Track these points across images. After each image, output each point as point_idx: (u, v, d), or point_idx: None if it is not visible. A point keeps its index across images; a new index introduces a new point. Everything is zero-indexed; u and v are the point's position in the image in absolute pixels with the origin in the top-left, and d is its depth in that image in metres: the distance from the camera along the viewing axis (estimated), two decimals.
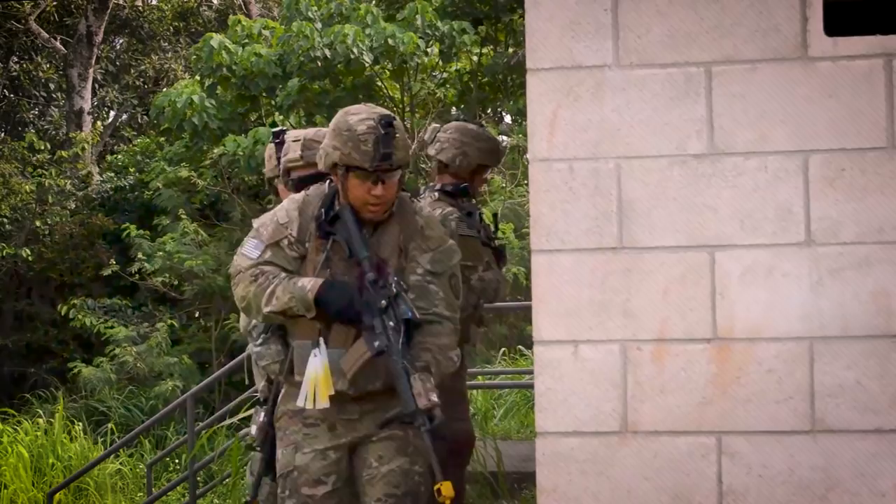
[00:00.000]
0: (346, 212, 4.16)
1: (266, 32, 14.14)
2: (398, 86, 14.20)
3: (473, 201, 5.73)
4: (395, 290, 4.06)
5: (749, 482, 3.96)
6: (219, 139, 13.82)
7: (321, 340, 4.13)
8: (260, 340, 4.37)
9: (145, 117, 21.86)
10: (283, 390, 4.37)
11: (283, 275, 4.16)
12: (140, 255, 14.43)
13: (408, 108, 14.39)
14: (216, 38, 13.57)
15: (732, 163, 3.97)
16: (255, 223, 4.35)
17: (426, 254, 4.25)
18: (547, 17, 4.10)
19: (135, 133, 22.01)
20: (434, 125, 5.88)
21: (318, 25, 13.28)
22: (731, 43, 3.98)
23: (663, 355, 4.01)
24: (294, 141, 4.99)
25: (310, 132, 5.01)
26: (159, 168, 15.24)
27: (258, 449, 4.63)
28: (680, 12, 4.02)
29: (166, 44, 23.65)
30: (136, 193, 17.09)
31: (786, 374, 3.93)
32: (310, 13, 13.55)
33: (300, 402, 4.15)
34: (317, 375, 4.11)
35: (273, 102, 13.85)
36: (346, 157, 4.08)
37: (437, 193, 5.58)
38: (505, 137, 15.09)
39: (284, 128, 5.49)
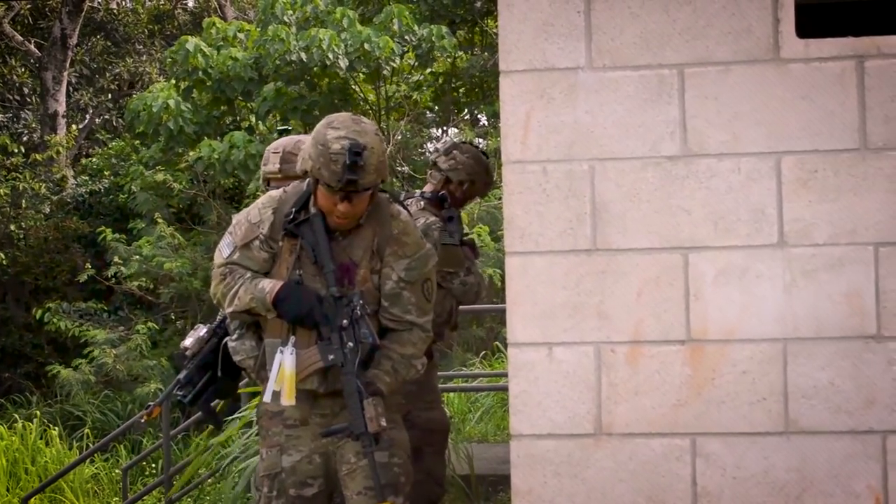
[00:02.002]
0: (316, 219, 4.18)
1: (241, 35, 14.11)
2: (372, 89, 14.19)
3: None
4: (359, 311, 4.08)
5: (724, 483, 3.96)
6: (194, 143, 13.79)
7: (292, 339, 4.17)
8: (235, 336, 4.38)
9: (120, 120, 21.78)
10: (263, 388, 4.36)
11: (249, 275, 4.22)
12: (116, 259, 14.38)
13: (383, 111, 14.39)
14: (191, 41, 13.53)
15: (706, 164, 3.97)
16: (234, 219, 4.39)
17: (402, 260, 4.21)
18: (520, 19, 4.10)
19: (110, 136, 21.91)
20: (451, 140, 6.04)
21: (294, 29, 13.26)
22: (703, 45, 3.99)
23: (637, 357, 4.01)
24: (273, 153, 5.02)
25: (290, 143, 5.02)
26: (136, 172, 15.18)
27: (185, 363, 4.66)
28: (653, 14, 4.03)
29: (141, 47, 23.57)
30: (112, 197, 17.02)
31: (760, 376, 3.94)
32: (285, 17, 13.52)
33: (266, 398, 4.20)
34: (283, 372, 4.14)
35: (249, 106, 13.83)
36: (316, 171, 4.06)
37: (423, 202, 5.70)
38: (481, 140, 15.10)
39: (289, 127, 5.53)
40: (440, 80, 14.88)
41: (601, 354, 4.02)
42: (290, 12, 13.62)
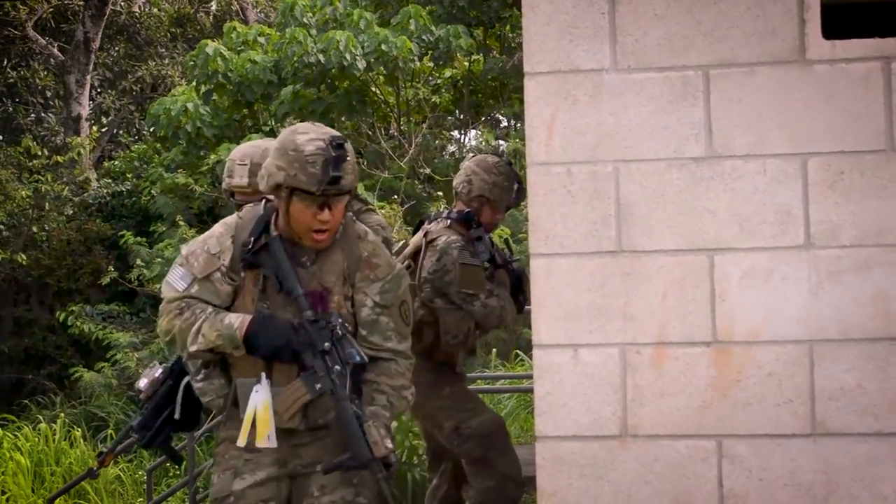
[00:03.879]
0: (275, 243, 3.92)
1: (261, 39, 14.15)
2: (392, 91, 14.21)
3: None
4: (340, 332, 3.85)
5: (750, 486, 3.95)
6: (215, 146, 13.83)
7: (263, 377, 3.90)
8: (201, 375, 4.09)
9: (142, 123, 21.87)
10: (223, 416, 4.12)
11: (210, 309, 3.90)
12: (138, 262, 14.42)
13: (403, 114, 14.40)
14: (211, 46, 13.58)
15: (731, 166, 3.97)
16: (184, 249, 4.01)
17: (374, 284, 4.00)
18: (544, 21, 4.10)
19: (132, 139, 22.01)
20: (469, 154, 5.90)
21: (314, 31, 13.30)
22: (728, 46, 3.99)
23: (663, 359, 4.00)
24: (240, 164, 4.78)
25: (255, 152, 4.76)
26: (156, 175, 15.25)
27: (140, 406, 4.43)
28: (677, 16, 4.02)
29: (163, 50, 23.67)
30: (134, 199, 17.08)
31: (786, 378, 3.93)
32: (305, 19, 13.56)
33: (239, 443, 3.95)
34: (256, 413, 3.90)
35: (269, 109, 13.87)
36: (291, 178, 3.79)
37: (448, 220, 5.58)
38: (502, 142, 15.10)
39: None
40: (459, 83, 14.89)
41: (626, 356, 4.02)
42: (310, 14, 13.65)
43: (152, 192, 15.30)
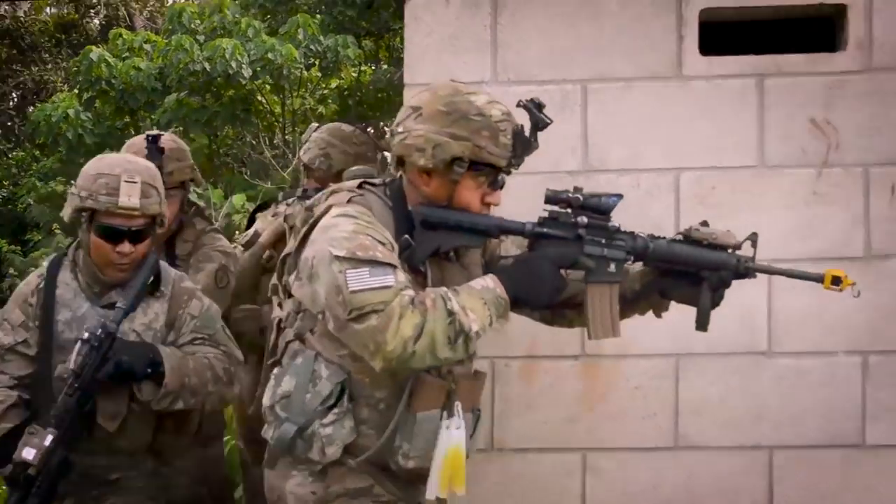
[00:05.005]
0: (423, 209, 3.06)
1: (147, 46, 13.98)
2: (278, 100, 14.14)
3: None
4: (578, 196, 3.08)
5: (613, 499, 3.95)
6: (96, 154, 13.61)
7: (458, 407, 3.04)
8: (331, 418, 3.04)
9: (23, 129, 21.44)
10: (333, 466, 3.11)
11: (441, 289, 2.90)
12: (11, 271, 14.11)
13: (289, 123, 14.32)
14: (96, 52, 13.39)
15: (606, 179, 3.97)
16: (336, 251, 2.85)
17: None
18: (426, 32, 4.08)
19: (10, 146, 21.54)
20: (313, 124, 5.38)
21: (202, 39, 13.18)
22: (607, 60, 3.99)
23: (532, 372, 3.98)
24: (129, 182, 3.78)
25: (143, 170, 3.82)
26: (30, 184, 14.96)
27: (31, 484, 3.41)
28: (559, 30, 4.02)
29: (47, 55, 23.23)
30: (10, 207, 16.73)
31: (651, 391, 3.94)
32: (192, 26, 13.43)
33: (431, 495, 3.06)
34: (456, 455, 3.04)
35: (152, 117, 13.70)
36: (479, 150, 2.96)
37: (305, 202, 4.97)
38: (387, 153, 15.08)
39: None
40: (346, 93, 14.87)
41: (495, 368, 3.99)
42: (198, 21, 13.53)
43: (28, 200, 15.00)
